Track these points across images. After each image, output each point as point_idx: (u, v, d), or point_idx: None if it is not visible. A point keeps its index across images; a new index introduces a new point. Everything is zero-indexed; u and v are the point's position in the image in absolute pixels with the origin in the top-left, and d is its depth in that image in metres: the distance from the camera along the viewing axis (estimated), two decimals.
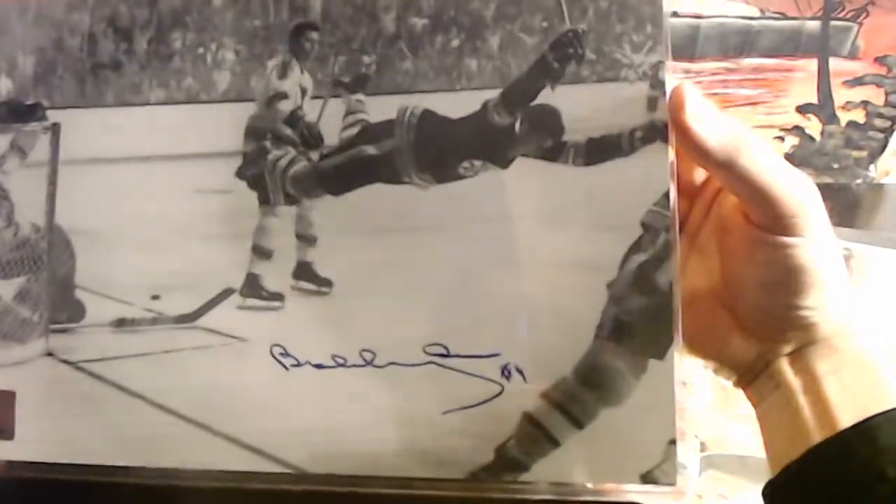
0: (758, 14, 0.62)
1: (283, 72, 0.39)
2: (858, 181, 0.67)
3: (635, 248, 0.35)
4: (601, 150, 0.35)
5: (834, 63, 0.65)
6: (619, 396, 0.34)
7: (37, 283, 0.39)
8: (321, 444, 0.36)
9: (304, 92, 0.38)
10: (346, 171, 0.38)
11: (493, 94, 0.37)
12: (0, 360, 0.39)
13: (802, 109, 0.66)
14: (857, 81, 0.65)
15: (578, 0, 0.36)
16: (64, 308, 0.39)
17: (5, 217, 0.40)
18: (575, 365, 0.35)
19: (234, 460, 0.37)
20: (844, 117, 0.66)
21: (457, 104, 0.37)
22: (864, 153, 0.66)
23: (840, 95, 0.66)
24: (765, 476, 0.36)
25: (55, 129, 0.40)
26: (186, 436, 0.37)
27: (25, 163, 0.40)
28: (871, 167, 0.66)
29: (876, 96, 0.65)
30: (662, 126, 0.35)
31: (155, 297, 0.38)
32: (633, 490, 0.34)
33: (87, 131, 0.40)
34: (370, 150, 0.38)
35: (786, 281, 0.33)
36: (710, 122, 0.33)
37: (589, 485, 0.34)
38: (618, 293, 0.35)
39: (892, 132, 0.65)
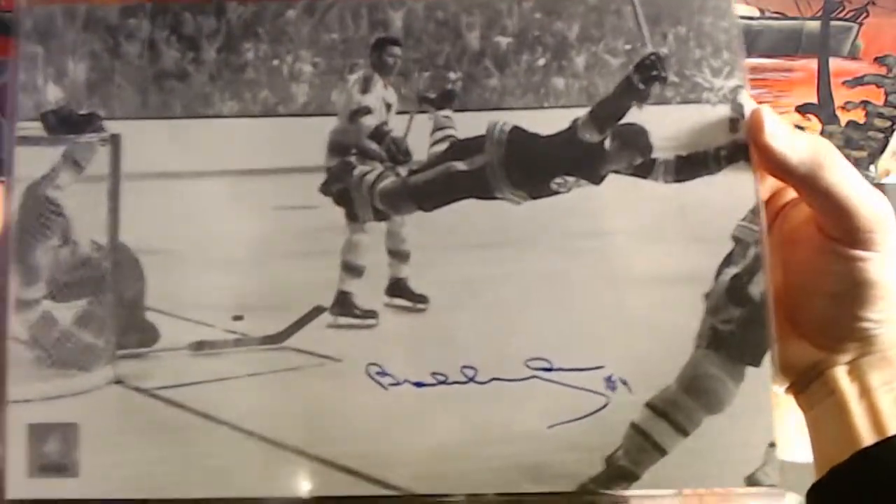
0: (758, 14, 0.64)
1: (366, 86, 0.38)
2: None
3: (727, 260, 0.37)
4: (689, 167, 0.38)
5: (834, 63, 0.66)
6: (720, 403, 0.36)
7: (100, 305, 0.37)
8: (425, 463, 0.36)
9: (388, 107, 0.38)
10: (438, 186, 0.38)
11: (581, 112, 0.38)
12: (60, 390, 0.37)
13: (802, 109, 0.68)
14: (857, 81, 0.67)
15: (658, 25, 0.39)
16: (134, 332, 0.37)
17: (61, 235, 0.37)
18: (677, 374, 0.37)
19: (333, 485, 0.36)
20: (844, 117, 0.68)
21: (545, 121, 0.38)
22: (864, 153, 0.69)
23: (840, 95, 0.68)
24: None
25: (115, 140, 0.38)
26: (278, 462, 0.36)
27: (81, 177, 0.38)
28: (871, 167, 0.69)
29: (876, 96, 0.67)
30: (745, 146, 0.37)
31: (237, 318, 0.37)
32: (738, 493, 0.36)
33: (152, 144, 0.38)
34: (460, 165, 0.38)
35: (855, 293, 0.36)
36: (789, 140, 0.36)
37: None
38: (714, 304, 0.37)
39: (892, 132, 0.68)
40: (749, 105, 0.38)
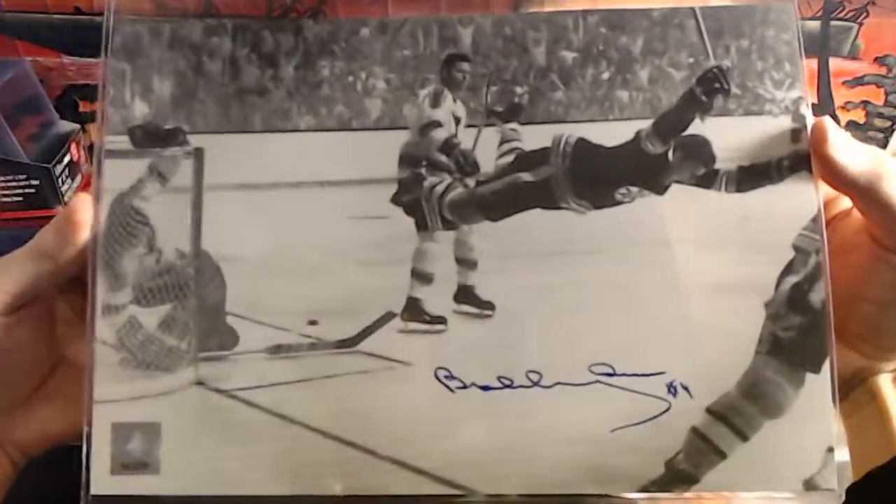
0: None
1: (436, 101, 0.40)
2: None
3: (788, 269, 0.38)
4: (752, 177, 0.39)
5: (834, 63, 0.65)
6: (779, 408, 0.37)
7: (183, 310, 0.39)
8: (491, 464, 0.38)
9: (457, 121, 0.40)
10: (504, 197, 0.39)
11: (644, 124, 0.39)
12: (144, 391, 0.39)
13: None
14: (857, 81, 0.66)
15: (721, 38, 0.40)
16: (215, 335, 0.39)
17: (146, 243, 0.39)
18: (738, 380, 0.37)
19: (402, 484, 0.38)
20: (844, 117, 0.67)
21: (609, 133, 0.39)
22: None
23: (840, 95, 0.67)
24: None
25: (198, 153, 0.40)
26: (350, 461, 0.38)
27: (166, 188, 0.40)
28: None
29: (876, 96, 0.67)
30: (806, 156, 0.38)
31: (312, 323, 0.39)
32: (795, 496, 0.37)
33: (233, 156, 0.40)
34: (526, 176, 0.39)
35: None
36: (851, 151, 0.37)
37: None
38: (775, 312, 0.38)
39: (892, 132, 0.68)
40: (811, 116, 0.39)
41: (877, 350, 0.39)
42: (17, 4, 0.67)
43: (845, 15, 0.64)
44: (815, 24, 0.64)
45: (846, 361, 0.39)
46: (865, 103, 0.67)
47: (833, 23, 0.64)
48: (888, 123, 0.68)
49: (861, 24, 0.64)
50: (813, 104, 0.71)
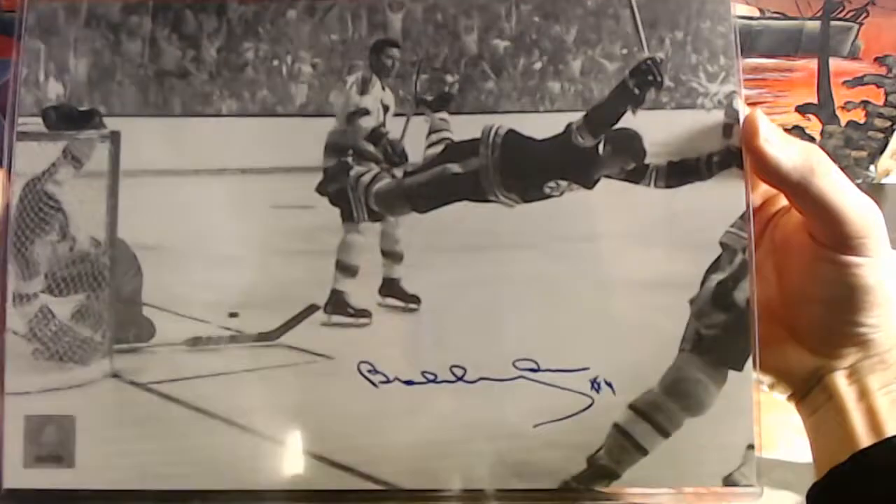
0: (758, 14, 0.64)
1: (364, 88, 0.39)
2: (858, 181, 0.68)
3: (714, 266, 0.38)
4: (681, 173, 0.38)
5: (834, 63, 0.66)
6: (701, 406, 0.37)
7: (98, 300, 0.38)
8: (413, 459, 0.37)
9: (385, 109, 0.39)
10: (432, 188, 0.39)
11: (576, 116, 0.39)
12: (58, 383, 0.38)
13: (802, 109, 0.68)
14: (857, 81, 0.67)
15: (656, 30, 0.39)
16: (131, 327, 0.38)
17: (59, 230, 0.38)
18: (661, 377, 0.38)
19: (323, 479, 0.37)
20: (844, 117, 0.67)
21: (540, 125, 0.39)
22: (863, 153, 0.68)
23: (840, 95, 0.67)
24: None
25: (115, 137, 0.39)
26: (269, 456, 0.37)
27: (80, 173, 0.38)
28: (871, 167, 0.69)
29: (876, 96, 0.67)
30: (737, 152, 0.38)
31: (233, 315, 0.38)
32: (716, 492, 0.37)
33: (151, 141, 0.39)
34: (455, 168, 0.39)
35: (849, 299, 0.37)
36: (783, 145, 0.37)
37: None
38: (699, 309, 0.38)
39: (892, 132, 0.68)
40: (744, 111, 0.38)
41: (828, 348, 0.39)
42: (18, 4, 0.65)
43: (845, 15, 0.64)
44: (815, 24, 0.65)
45: (800, 361, 0.39)
46: (865, 103, 0.68)
47: (833, 23, 0.64)
48: (888, 123, 0.68)
49: (861, 24, 0.64)
50: (814, 104, 0.72)
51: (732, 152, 0.38)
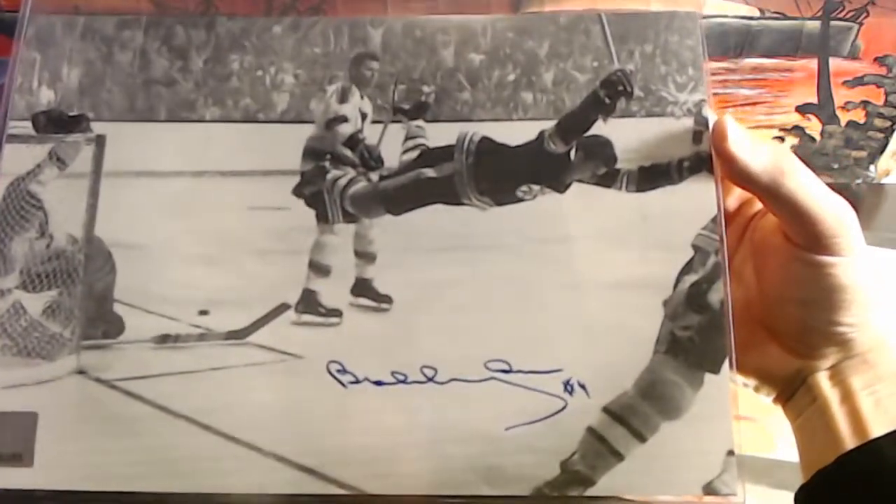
0: (758, 14, 0.63)
1: (343, 97, 0.40)
2: (858, 181, 0.68)
3: (687, 268, 0.38)
4: (652, 178, 0.39)
5: (834, 63, 0.65)
6: (678, 409, 0.36)
7: (70, 297, 0.38)
8: (381, 462, 0.36)
9: (364, 116, 0.40)
10: (407, 191, 0.39)
11: (548, 124, 0.40)
12: (23, 379, 0.37)
13: (802, 109, 0.67)
14: (857, 81, 0.66)
15: (625, 43, 0.40)
16: (100, 323, 0.38)
17: (38, 228, 0.39)
18: (635, 379, 0.37)
19: (288, 482, 0.36)
20: (844, 117, 0.67)
21: (513, 133, 0.40)
22: (863, 153, 0.67)
23: (840, 95, 0.66)
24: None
25: (100, 140, 0.40)
26: (234, 458, 0.36)
27: (64, 174, 0.39)
28: (871, 167, 0.68)
29: (876, 96, 0.66)
30: (707, 157, 0.38)
31: (203, 313, 0.38)
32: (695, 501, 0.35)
33: (134, 144, 0.40)
34: (430, 172, 0.39)
35: (826, 299, 0.37)
36: (752, 148, 0.37)
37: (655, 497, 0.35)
38: (673, 311, 0.37)
39: (892, 132, 0.67)
40: (712, 118, 0.39)
41: (808, 349, 0.38)
42: (18, 4, 0.68)
43: (845, 15, 0.64)
44: (815, 24, 0.64)
45: (783, 363, 0.39)
46: (865, 103, 0.67)
47: (833, 23, 0.64)
48: (888, 123, 0.67)
49: (861, 24, 0.64)
50: (814, 104, 0.72)
51: (703, 157, 0.39)
